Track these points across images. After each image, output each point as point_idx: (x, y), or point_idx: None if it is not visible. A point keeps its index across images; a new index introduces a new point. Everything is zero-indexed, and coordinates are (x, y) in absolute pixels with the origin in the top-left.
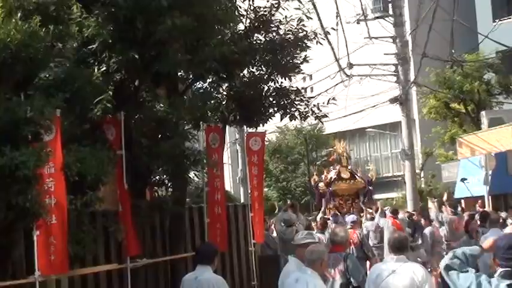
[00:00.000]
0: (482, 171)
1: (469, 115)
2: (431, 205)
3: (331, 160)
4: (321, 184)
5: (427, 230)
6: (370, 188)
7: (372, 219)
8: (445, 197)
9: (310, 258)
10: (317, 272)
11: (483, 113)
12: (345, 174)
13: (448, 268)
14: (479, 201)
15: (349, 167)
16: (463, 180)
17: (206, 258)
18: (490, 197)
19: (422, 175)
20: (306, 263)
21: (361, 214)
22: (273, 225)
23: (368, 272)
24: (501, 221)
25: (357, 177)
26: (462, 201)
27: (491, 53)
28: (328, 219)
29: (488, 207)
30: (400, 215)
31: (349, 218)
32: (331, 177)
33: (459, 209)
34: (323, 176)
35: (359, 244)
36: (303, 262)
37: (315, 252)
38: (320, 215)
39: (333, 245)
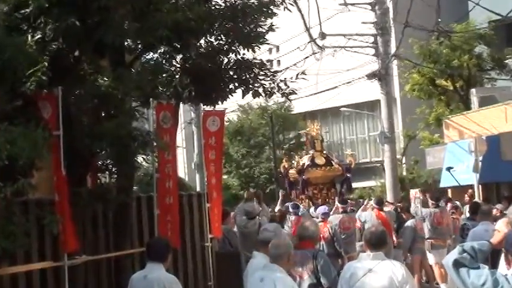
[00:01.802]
0: (472, 156)
1: (457, 93)
2: (414, 195)
3: (306, 144)
4: (292, 171)
5: (409, 223)
6: (348, 175)
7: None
8: (418, 194)
9: (275, 252)
10: (283, 268)
11: (473, 90)
12: (320, 160)
13: (457, 264)
14: (469, 190)
15: (324, 152)
16: (449, 169)
17: (158, 255)
18: (480, 186)
19: (404, 161)
20: (270, 259)
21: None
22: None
23: (341, 271)
24: (498, 214)
25: (333, 163)
26: (449, 190)
27: (482, 23)
28: (287, 211)
29: (478, 198)
30: (387, 208)
31: (320, 210)
32: (304, 164)
33: (444, 200)
34: (294, 162)
35: (330, 239)
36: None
37: (281, 246)
38: (278, 206)
39: (300, 240)
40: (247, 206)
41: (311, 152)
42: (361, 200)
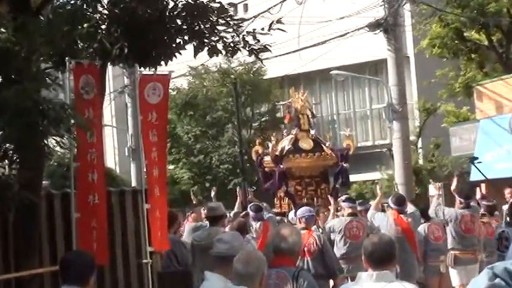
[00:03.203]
0: None
1: (493, 49)
2: (434, 191)
3: (287, 120)
4: (268, 158)
5: (418, 229)
6: (344, 165)
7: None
8: (453, 186)
9: (243, 271)
10: None
11: None
12: (306, 144)
13: None
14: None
15: (312, 132)
16: (473, 161)
17: (76, 276)
18: None
19: (420, 145)
20: (236, 280)
21: (329, 207)
22: (186, 222)
23: None
24: None
25: (324, 148)
26: (482, 185)
27: None
28: (246, 214)
29: None
30: (411, 208)
31: (302, 212)
32: (283, 148)
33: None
34: (270, 145)
35: (318, 254)
36: (232, 280)
37: (252, 262)
38: (236, 209)
39: (276, 255)
40: (211, 204)
41: (294, 131)
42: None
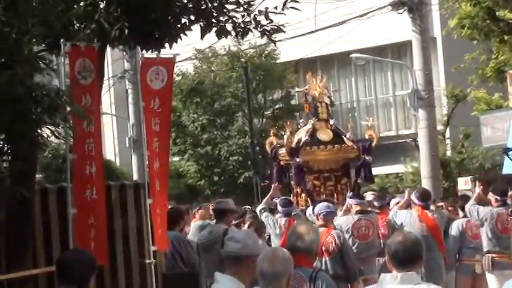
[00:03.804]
0: None
1: None
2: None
3: (305, 107)
4: (283, 151)
5: (455, 225)
6: (367, 158)
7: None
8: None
9: (270, 272)
10: None
11: None
12: (325, 135)
13: None
14: None
15: (331, 122)
16: (507, 152)
17: (74, 277)
18: None
19: (448, 135)
20: (261, 281)
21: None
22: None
23: None
24: None
25: (344, 139)
26: None
27: None
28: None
29: None
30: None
31: (321, 208)
32: (299, 140)
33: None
34: (285, 137)
35: (337, 254)
36: (244, 282)
37: (279, 262)
38: (261, 206)
39: (292, 254)
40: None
41: (311, 121)
42: (394, 197)
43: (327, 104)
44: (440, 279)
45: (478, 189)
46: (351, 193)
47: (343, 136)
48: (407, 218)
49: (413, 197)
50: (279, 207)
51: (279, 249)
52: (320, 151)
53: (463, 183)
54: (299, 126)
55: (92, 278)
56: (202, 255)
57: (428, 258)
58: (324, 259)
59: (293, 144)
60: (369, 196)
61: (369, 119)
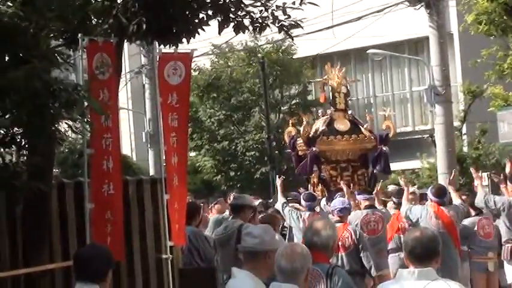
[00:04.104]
0: None
1: None
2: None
3: (323, 99)
4: (300, 140)
5: (466, 222)
6: (384, 149)
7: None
8: (508, 169)
9: (289, 268)
10: None
11: None
12: (342, 125)
13: None
14: None
15: (349, 112)
16: None
17: (91, 272)
18: None
19: (464, 131)
20: (280, 276)
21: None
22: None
23: None
24: None
25: (362, 129)
26: None
27: None
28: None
29: None
30: (457, 200)
31: (336, 204)
32: (316, 129)
33: None
34: (302, 127)
35: (353, 249)
36: (261, 278)
37: (297, 258)
38: (281, 200)
39: (310, 250)
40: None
41: (329, 111)
42: (415, 191)
43: (345, 94)
44: (456, 275)
45: (503, 190)
46: (360, 190)
47: (360, 126)
48: (422, 214)
49: (429, 193)
50: (303, 202)
51: (297, 245)
52: (337, 141)
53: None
54: (318, 116)
55: (109, 273)
56: (219, 250)
57: (444, 255)
58: (340, 254)
59: (310, 134)
60: (390, 188)
61: (386, 109)
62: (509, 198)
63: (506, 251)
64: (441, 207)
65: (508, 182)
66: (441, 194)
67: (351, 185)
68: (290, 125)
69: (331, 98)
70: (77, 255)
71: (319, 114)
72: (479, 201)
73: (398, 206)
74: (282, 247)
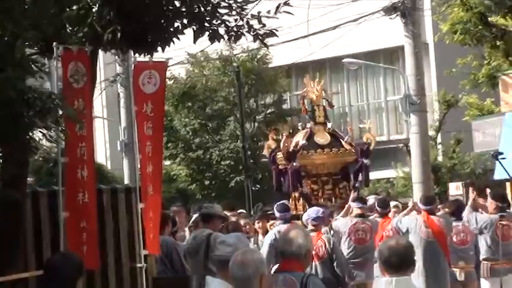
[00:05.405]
0: None
1: None
2: (454, 191)
3: (304, 111)
4: (280, 155)
5: None
6: (365, 161)
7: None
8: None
9: (240, 275)
10: None
11: None
12: (323, 138)
13: None
14: None
15: (329, 125)
16: (497, 156)
17: (62, 281)
18: None
19: (439, 140)
20: (234, 284)
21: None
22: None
23: None
24: None
25: (342, 142)
26: (507, 185)
27: None
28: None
29: None
30: (440, 211)
31: (310, 213)
32: (297, 143)
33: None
34: (282, 141)
35: (327, 258)
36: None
37: (248, 265)
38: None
39: (283, 259)
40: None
41: (308, 125)
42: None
43: (324, 107)
44: (445, 284)
45: (471, 196)
46: (354, 196)
47: (341, 139)
48: (412, 224)
49: (418, 202)
50: (276, 213)
51: (250, 252)
52: (318, 155)
53: (454, 189)
54: (294, 127)
55: (78, 281)
56: (188, 260)
57: (434, 263)
58: (314, 263)
59: (290, 148)
60: (371, 200)
61: (366, 121)
62: (490, 217)
63: (485, 268)
64: (431, 216)
65: (490, 199)
66: (430, 203)
67: (333, 198)
68: (270, 138)
69: (312, 111)
70: (47, 263)
71: (299, 128)
72: (464, 216)
73: (383, 214)
74: (234, 255)
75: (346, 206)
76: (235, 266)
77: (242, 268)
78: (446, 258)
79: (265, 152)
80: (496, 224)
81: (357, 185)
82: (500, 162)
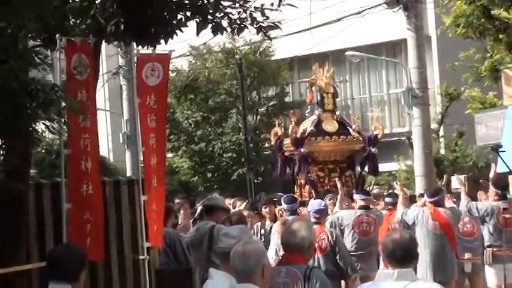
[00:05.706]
0: None
1: None
2: (458, 183)
3: (308, 99)
4: (287, 141)
5: None
6: (372, 150)
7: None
8: (491, 173)
9: (242, 267)
10: (258, 286)
11: None
12: (330, 126)
13: None
14: None
15: (337, 113)
16: (497, 149)
17: (65, 272)
18: None
19: (442, 133)
20: (236, 276)
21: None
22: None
23: None
24: None
25: (350, 130)
26: (510, 177)
27: None
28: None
29: None
30: (448, 202)
31: (312, 206)
32: (304, 130)
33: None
34: (290, 127)
35: (330, 251)
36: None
37: (250, 256)
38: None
39: (286, 251)
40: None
41: (317, 112)
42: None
43: (333, 94)
44: (452, 276)
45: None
46: (359, 188)
47: (348, 127)
48: (419, 216)
49: (425, 195)
50: (284, 205)
51: (250, 243)
52: (325, 142)
53: (456, 180)
54: (294, 116)
55: (82, 273)
56: (192, 252)
57: (441, 256)
58: (316, 256)
59: (298, 135)
60: (374, 190)
61: (375, 110)
62: (491, 204)
63: (488, 254)
64: (437, 208)
65: (491, 186)
66: (437, 193)
67: (341, 185)
68: (276, 125)
69: (319, 98)
70: (50, 254)
71: (306, 115)
72: (462, 207)
73: (392, 205)
74: (235, 247)
75: (339, 196)
76: (237, 257)
77: (243, 259)
78: (453, 250)
79: (272, 139)
80: (498, 211)
81: (363, 173)
82: (499, 155)
